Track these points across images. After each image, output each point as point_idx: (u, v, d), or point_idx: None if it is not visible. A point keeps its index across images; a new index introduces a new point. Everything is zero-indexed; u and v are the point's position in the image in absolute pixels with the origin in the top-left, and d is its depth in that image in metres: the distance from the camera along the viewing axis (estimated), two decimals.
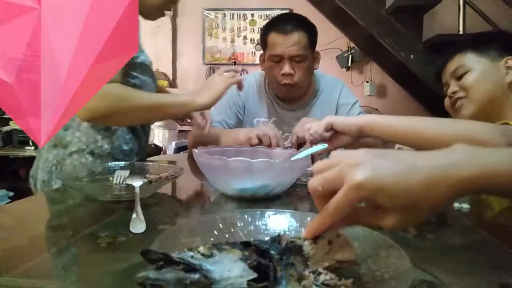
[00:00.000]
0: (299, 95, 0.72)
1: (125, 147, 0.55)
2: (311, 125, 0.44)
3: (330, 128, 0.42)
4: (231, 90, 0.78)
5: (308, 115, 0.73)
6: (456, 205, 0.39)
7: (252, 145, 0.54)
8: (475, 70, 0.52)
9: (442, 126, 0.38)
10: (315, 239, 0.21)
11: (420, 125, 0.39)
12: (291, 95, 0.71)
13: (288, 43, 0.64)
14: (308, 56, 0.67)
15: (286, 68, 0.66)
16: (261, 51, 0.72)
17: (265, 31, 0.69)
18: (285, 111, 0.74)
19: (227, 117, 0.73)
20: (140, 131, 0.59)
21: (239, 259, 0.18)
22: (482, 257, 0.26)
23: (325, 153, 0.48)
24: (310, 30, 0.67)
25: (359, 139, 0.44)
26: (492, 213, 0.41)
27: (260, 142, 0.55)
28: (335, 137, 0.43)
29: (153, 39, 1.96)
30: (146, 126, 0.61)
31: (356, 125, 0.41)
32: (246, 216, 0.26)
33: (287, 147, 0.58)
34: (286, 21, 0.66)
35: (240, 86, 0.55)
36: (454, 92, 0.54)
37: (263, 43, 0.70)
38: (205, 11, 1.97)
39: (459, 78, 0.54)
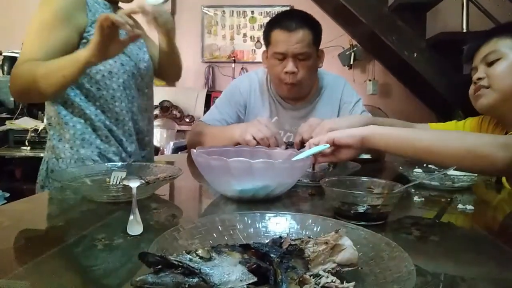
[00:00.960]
0: (302, 95, 0.71)
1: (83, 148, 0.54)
2: (313, 141, 0.41)
3: (332, 143, 0.40)
4: (232, 89, 0.77)
5: (311, 113, 0.72)
6: (459, 206, 0.38)
7: (252, 145, 0.54)
8: (507, 58, 0.49)
9: (447, 140, 0.37)
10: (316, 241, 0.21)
11: (428, 138, 0.38)
12: (294, 94, 0.70)
13: (292, 40, 0.63)
14: (312, 54, 0.66)
15: (290, 66, 0.64)
16: (264, 48, 0.71)
17: (269, 27, 0.67)
18: (287, 110, 0.73)
19: (227, 116, 0.72)
20: (124, 133, 0.57)
21: (239, 262, 0.18)
22: (486, 259, 0.26)
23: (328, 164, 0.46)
24: (314, 28, 0.66)
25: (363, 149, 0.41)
26: (495, 214, 0.40)
27: (258, 143, 0.54)
28: (338, 151, 0.40)
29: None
30: (127, 125, 0.58)
31: (359, 136, 0.39)
32: (245, 218, 0.26)
33: (287, 143, 0.56)
34: (291, 18, 0.65)
35: (123, 28, 0.44)
36: (479, 79, 0.51)
37: (267, 40, 0.68)
38: (204, 8, 1.95)
39: (490, 64, 0.50)
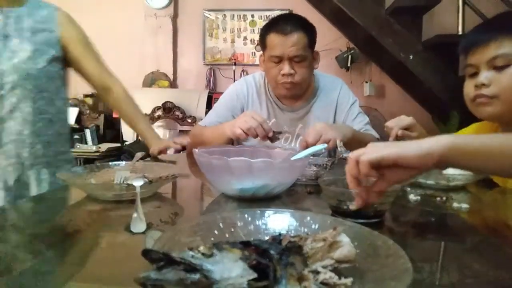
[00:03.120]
0: (299, 94, 0.72)
1: None
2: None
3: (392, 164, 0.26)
4: (229, 94, 0.77)
5: (308, 115, 0.73)
6: (455, 205, 0.39)
7: (243, 139, 0.55)
8: None
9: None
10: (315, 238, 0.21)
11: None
12: (292, 93, 0.71)
13: (288, 43, 0.65)
14: (308, 56, 0.67)
15: (286, 69, 0.66)
16: (261, 52, 0.73)
17: (265, 31, 0.69)
18: (285, 111, 0.74)
19: (223, 119, 0.73)
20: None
21: (239, 258, 0.18)
22: (481, 257, 0.27)
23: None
24: (309, 31, 0.67)
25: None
26: (489, 213, 0.40)
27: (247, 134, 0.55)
28: (388, 172, 0.27)
29: (154, 40, 1.96)
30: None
31: (434, 155, 0.26)
32: (246, 215, 0.26)
33: (275, 132, 0.56)
34: (286, 22, 0.66)
35: None
36: (483, 84, 0.44)
37: (263, 43, 0.70)
38: (206, 11, 1.97)
39: (498, 69, 0.43)
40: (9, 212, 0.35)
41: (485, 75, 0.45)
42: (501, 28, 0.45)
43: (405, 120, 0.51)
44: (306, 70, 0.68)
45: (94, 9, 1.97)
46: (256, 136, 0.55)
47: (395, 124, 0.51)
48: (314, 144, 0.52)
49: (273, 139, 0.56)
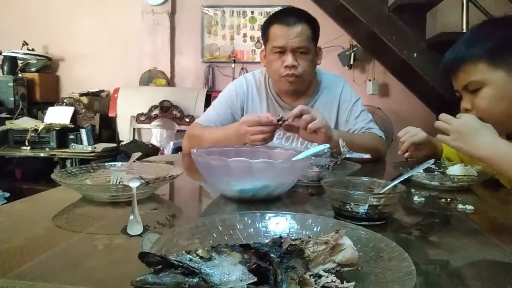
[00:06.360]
0: (302, 89, 0.71)
1: None
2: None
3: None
4: (229, 92, 0.76)
5: None
6: (459, 206, 0.38)
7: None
8: (490, 86, 0.46)
9: None
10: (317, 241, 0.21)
11: None
12: (294, 88, 0.69)
13: (292, 34, 0.64)
14: (311, 49, 0.66)
15: (289, 60, 0.64)
16: (262, 48, 0.72)
17: (267, 24, 0.68)
18: (285, 109, 0.74)
19: (223, 118, 0.72)
20: None
21: (239, 262, 0.18)
22: (486, 259, 0.26)
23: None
24: (312, 24, 0.66)
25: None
26: (495, 214, 0.40)
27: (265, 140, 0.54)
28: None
29: (152, 37, 1.95)
30: None
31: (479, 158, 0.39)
32: (245, 218, 0.26)
33: (278, 119, 0.55)
34: (289, 14, 0.66)
35: None
36: (467, 110, 0.50)
37: (265, 36, 0.69)
38: (204, 8, 1.95)
39: (473, 92, 0.48)
40: (4, 212, 0.35)
41: (466, 100, 0.50)
42: (461, 56, 0.49)
43: (417, 136, 0.52)
44: (309, 63, 0.66)
45: (91, 7, 1.96)
46: (272, 132, 0.54)
47: (406, 138, 0.53)
48: (307, 121, 0.52)
49: (281, 123, 0.54)
